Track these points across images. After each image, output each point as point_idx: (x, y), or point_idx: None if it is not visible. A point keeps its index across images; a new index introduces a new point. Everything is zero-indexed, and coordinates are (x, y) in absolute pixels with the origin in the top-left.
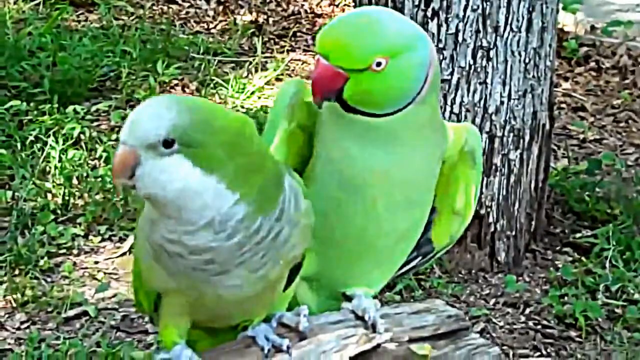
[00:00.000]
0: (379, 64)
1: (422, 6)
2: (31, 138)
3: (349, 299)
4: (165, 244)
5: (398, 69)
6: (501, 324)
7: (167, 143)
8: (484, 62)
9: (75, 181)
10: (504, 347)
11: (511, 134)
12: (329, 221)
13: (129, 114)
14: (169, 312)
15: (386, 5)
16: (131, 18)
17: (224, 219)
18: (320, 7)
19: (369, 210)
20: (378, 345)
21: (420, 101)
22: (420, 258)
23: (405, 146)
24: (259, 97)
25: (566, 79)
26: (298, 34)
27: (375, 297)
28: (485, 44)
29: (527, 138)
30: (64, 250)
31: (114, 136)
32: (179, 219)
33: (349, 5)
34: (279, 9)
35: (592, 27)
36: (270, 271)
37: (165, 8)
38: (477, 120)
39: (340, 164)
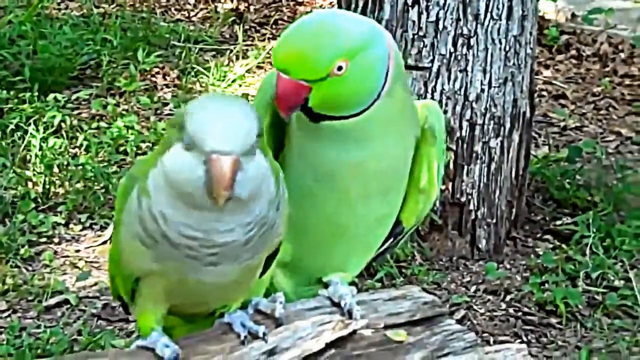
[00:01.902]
0: (339, 68)
1: None
2: (12, 126)
3: (325, 285)
4: (179, 237)
5: (359, 69)
6: (482, 311)
7: (257, 140)
8: (465, 50)
9: (56, 169)
10: (485, 334)
11: (492, 122)
12: (303, 210)
13: (206, 123)
14: (146, 298)
15: None
16: (112, 6)
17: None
18: None
19: (343, 200)
20: (354, 332)
21: (386, 94)
22: (391, 240)
23: (377, 139)
24: (240, 85)
25: (547, 67)
26: (279, 22)
27: (352, 283)
28: (465, 31)
29: (507, 126)
30: (44, 239)
31: (94, 124)
32: (243, 214)
33: None
34: None
35: (573, 15)
36: (253, 260)
37: None
38: (458, 108)
39: (313, 160)
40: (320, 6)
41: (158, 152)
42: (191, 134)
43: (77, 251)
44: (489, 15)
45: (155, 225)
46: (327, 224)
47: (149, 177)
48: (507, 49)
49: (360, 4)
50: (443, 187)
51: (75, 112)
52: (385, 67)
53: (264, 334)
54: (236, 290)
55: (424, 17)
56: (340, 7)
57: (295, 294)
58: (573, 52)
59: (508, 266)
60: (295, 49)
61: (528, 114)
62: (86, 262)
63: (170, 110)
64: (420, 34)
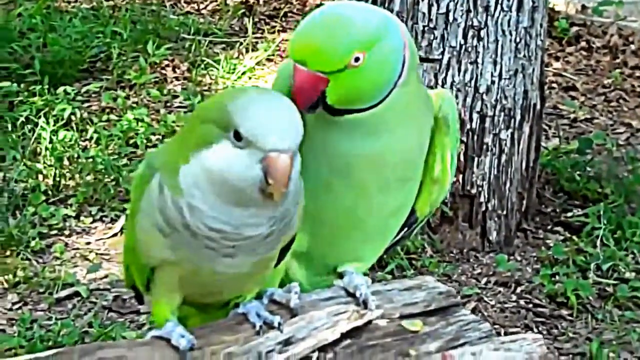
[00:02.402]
0: (357, 60)
1: None
2: (22, 119)
3: (340, 275)
4: (204, 229)
5: (376, 60)
6: (492, 303)
7: None
8: (475, 42)
9: (66, 162)
10: (496, 326)
11: (502, 114)
12: (319, 201)
13: (258, 119)
14: (161, 288)
15: None
16: None
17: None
18: None
19: (360, 192)
20: (369, 322)
21: (402, 85)
22: (406, 229)
23: (393, 131)
24: (250, 78)
25: (557, 59)
26: (289, 14)
27: (366, 274)
28: (476, 23)
29: (518, 117)
30: (55, 231)
31: (104, 117)
32: (273, 207)
33: None
34: None
35: (583, 7)
36: (270, 253)
37: None
38: (469, 100)
39: (330, 152)
40: None
41: (187, 147)
42: (246, 133)
43: (88, 243)
44: (499, 7)
45: (179, 216)
46: (343, 215)
47: (179, 172)
48: (518, 40)
49: None
50: (454, 179)
51: (86, 104)
52: (402, 57)
53: (280, 324)
54: (250, 281)
55: (434, 9)
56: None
57: (310, 284)
58: (583, 44)
59: (519, 258)
60: (312, 41)
61: (538, 106)
62: (97, 254)
63: (180, 102)
64: (431, 25)
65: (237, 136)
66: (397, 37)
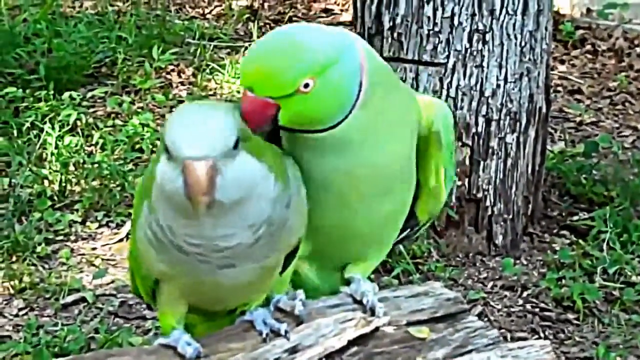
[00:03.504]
0: (306, 86)
1: None
2: (27, 125)
3: (347, 282)
4: (186, 246)
5: (327, 86)
6: (499, 307)
7: (235, 144)
8: (480, 46)
9: (72, 167)
10: (502, 331)
11: (508, 117)
12: (313, 213)
13: (179, 129)
14: (166, 298)
15: None
16: (126, 4)
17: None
18: None
19: (341, 204)
20: (376, 329)
21: (362, 106)
22: (408, 230)
23: (361, 148)
24: None
25: (562, 62)
26: (294, 18)
27: (372, 280)
28: (481, 27)
29: (523, 121)
30: (61, 237)
31: (110, 122)
32: (241, 217)
33: None
34: None
35: (588, 10)
36: (271, 260)
37: None
38: (474, 104)
39: (306, 167)
40: (335, 2)
41: (156, 164)
42: (167, 143)
43: (94, 249)
44: (504, 10)
45: (164, 235)
46: (333, 226)
47: (153, 190)
48: (523, 44)
49: (375, 0)
50: (459, 183)
51: (91, 110)
52: (358, 81)
53: (286, 331)
54: (255, 290)
55: (439, 12)
56: (355, 4)
57: (322, 281)
58: (588, 47)
59: (525, 262)
60: (260, 66)
61: (544, 110)
62: (103, 259)
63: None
64: (436, 29)
65: (167, 148)
66: (353, 60)
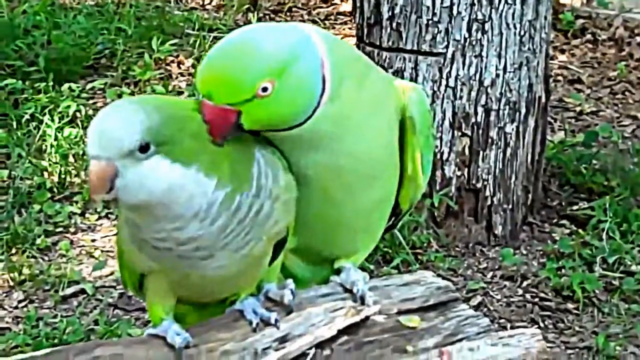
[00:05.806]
0: (264, 89)
1: None
2: (27, 116)
3: (337, 271)
4: (153, 242)
5: (287, 87)
6: (498, 297)
7: (143, 147)
8: (479, 35)
9: (71, 159)
10: (502, 320)
11: (507, 107)
12: (299, 206)
13: (91, 126)
14: (153, 291)
15: None
16: None
17: (209, 205)
18: None
19: (327, 196)
20: (367, 318)
21: (329, 101)
22: (393, 218)
23: (341, 138)
24: None
25: (562, 52)
26: (293, 9)
27: (363, 269)
28: (480, 16)
29: (523, 111)
30: (60, 229)
31: None
32: (167, 217)
33: None
34: None
35: None
36: (253, 249)
37: None
38: (473, 94)
39: (288, 162)
40: None
41: None
42: None
43: (93, 241)
44: (503, 0)
45: (140, 233)
46: (319, 218)
47: None
48: (522, 33)
49: None
50: (459, 173)
51: (90, 101)
52: (320, 75)
53: (276, 320)
54: (243, 280)
55: (438, 2)
56: None
57: (310, 273)
58: (588, 36)
59: (524, 252)
60: (215, 73)
61: (543, 99)
62: (102, 251)
63: (185, 98)
64: (435, 19)
65: None
66: (312, 57)
